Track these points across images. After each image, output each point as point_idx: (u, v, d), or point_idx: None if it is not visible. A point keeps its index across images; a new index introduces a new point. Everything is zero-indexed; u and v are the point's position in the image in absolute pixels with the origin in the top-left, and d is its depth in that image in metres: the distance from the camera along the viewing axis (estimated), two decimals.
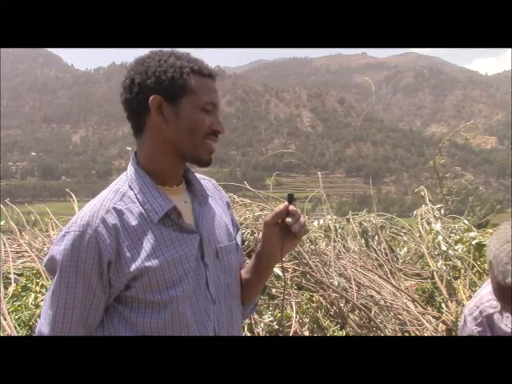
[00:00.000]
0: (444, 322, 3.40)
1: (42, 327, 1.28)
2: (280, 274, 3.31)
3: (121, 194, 1.30)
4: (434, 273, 4.03)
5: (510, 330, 1.61)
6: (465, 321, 1.80)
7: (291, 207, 1.32)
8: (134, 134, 1.35)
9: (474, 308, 1.78)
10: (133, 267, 1.23)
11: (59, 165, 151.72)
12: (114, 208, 1.27)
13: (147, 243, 1.26)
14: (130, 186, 1.32)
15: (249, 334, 3.08)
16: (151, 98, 1.27)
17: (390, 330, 3.35)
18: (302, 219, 1.33)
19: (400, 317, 3.47)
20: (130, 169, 1.35)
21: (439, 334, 3.28)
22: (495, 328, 1.67)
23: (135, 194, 1.30)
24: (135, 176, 1.33)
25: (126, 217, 1.26)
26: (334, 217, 4.85)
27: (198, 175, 1.46)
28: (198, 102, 1.30)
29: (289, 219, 1.31)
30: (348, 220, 5.02)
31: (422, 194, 5.13)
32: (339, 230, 4.66)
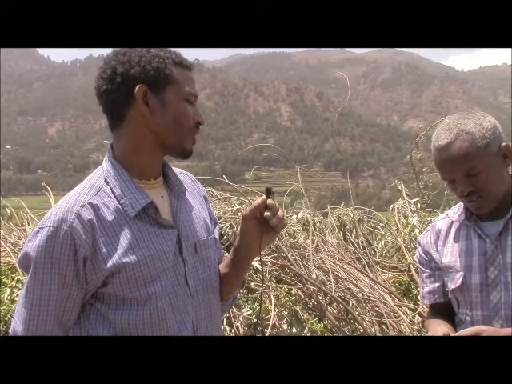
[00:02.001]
0: (420, 314, 3.45)
1: (16, 325, 1.26)
2: (259, 267, 3.32)
3: (96, 188, 1.28)
4: (411, 266, 4.08)
5: (461, 243, 1.61)
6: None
7: (269, 201, 1.32)
8: (111, 127, 1.32)
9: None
10: (109, 263, 1.21)
11: (35, 158, 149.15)
12: (90, 203, 1.24)
13: (124, 239, 1.24)
14: (105, 180, 1.29)
15: (227, 328, 3.09)
16: (137, 87, 1.25)
17: (367, 322, 3.39)
18: (280, 213, 1.33)
19: (377, 309, 3.51)
20: (106, 162, 1.32)
21: (415, 326, 3.33)
22: (448, 238, 1.66)
23: (111, 189, 1.28)
24: (111, 170, 1.30)
25: (101, 212, 1.24)
26: (316, 212, 4.87)
27: (175, 169, 1.44)
28: (182, 92, 1.29)
29: (267, 213, 1.31)
30: (326, 214, 5.05)
31: (399, 188, 5.18)
32: (317, 224, 4.69)
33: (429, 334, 1.55)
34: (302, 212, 4.67)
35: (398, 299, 3.67)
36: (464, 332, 1.38)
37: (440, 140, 1.51)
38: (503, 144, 1.51)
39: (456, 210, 1.69)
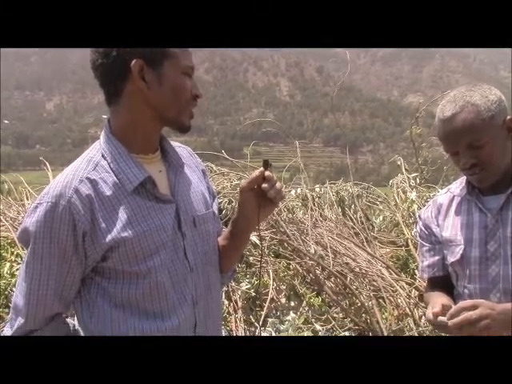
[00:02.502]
0: (417, 288, 3.49)
1: (17, 299, 1.27)
2: (257, 242, 3.34)
3: (94, 163, 1.27)
4: (409, 240, 4.11)
5: (463, 217, 1.62)
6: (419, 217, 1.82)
7: (267, 173, 1.31)
8: (108, 101, 1.31)
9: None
10: (108, 238, 1.22)
11: (33, 133, 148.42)
12: (88, 178, 1.24)
13: (122, 213, 1.24)
14: (103, 155, 1.29)
15: (226, 302, 3.12)
16: (133, 62, 1.23)
17: (364, 296, 3.42)
18: (278, 185, 1.32)
19: (374, 283, 3.54)
20: (104, 137, 1.32)
21: (412, 300, 3.37)
22: (449, 212, 1.67)
23: (109, 164, 1.27)
24: (109, 145, 1.30)
25: (99, 187, 1.24)
26: (316, 186, 4.88)
27: (173, 143, 1.43)
28: (180, 65, 1.28)
29: (265, 185, 1.31)
30: (325, 189, 5.05)
31: (398, 163, 5.18)
32: (316, 199, 4.70)
33: (429, 305, 1.57)
34: (300, 187, 4.68)
35: (396, 273, 3.71)
36: (463, 304, 1.40)
37: (445, 111, 1.51)
38: (508, 117, 1.51)
39: (458, 185, 1.69)
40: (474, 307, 1.37)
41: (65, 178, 1.24)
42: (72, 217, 1.20)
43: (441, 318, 1.42)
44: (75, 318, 1.36)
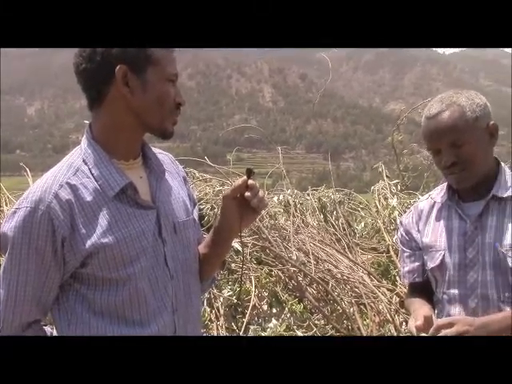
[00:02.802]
0: (398, 295, 3.51)
1: None
2: (239, 248, 3.33)
3: (74, 168, 1.26)
4: (390, 247, 4.13)
5: (442, 222, 1.65)
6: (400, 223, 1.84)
7: (250, 181, 1.31)
8: (90, 106, 1.30)
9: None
10: (88, 244, 1.21)
11: (13, 138, 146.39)
12: (68, 183, 1.23)
13: (103, 219, 1.23)
14: (84, 161, 1.28)
15: (208, 309, 3.10)
16: (117, 67, 1.22)
17: (346, 302, 3.43)
18: (260, 193, 1.33)
19: (356, 290, 3.56)
20: (85, 142, 1.31)
21: (393, 306, 3.39)
22: (429, 218, 1.69)
23: (89, 169, 1.26)
24: (90, 150, 1.29)
25: (80, 192, 1.23)
26: (295, 191, 4.89)
27: (154, 150, 1.43)
28: (164, 73, 1.28)
29: (248, 194, 1.31)
30: (308, 195, 5.07)
31: (380, 170, 5.22)
32: (298, 206, 4.71)
33: (411, 316, 1.60)
34: (283, 193, 4.68)
35: (377, 280, 3.73)
36: (440, 322, 1.42)
37: (431, 110, 1.56)
38: (491, 122, 1.55)
39: (439, 191, 1.71)
40: (451, 325, 1.39)
41: (44, 183, 1.23)
42: (51, 222, 1.19)
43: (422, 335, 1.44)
44: (53, 326, 1.34)
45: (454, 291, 1.59)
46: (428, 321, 1.44)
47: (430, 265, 1.65)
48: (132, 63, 1.24)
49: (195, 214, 1.50)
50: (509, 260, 1.49)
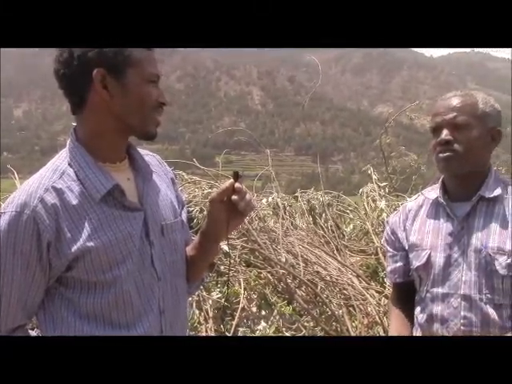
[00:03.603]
0: (386, 297, 3.52)
1: None
2: (228, 250, 3.32)
3: (60, 172, 1.25)
4: (378, 249, 4.15)
5: (430, 221, 1.67)
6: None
7: (237, 185, 1.31)
8: (73, 111, 1.29)
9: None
10: (74, 247, 1.20)
11: (1, 140, 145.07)
12: (53, 187, 1.22)
13: (89, 223, 1.22)
14: (69, 164, 1.27)
15: (197, 311, 3.09)
16: (94, 71, 1.21)
17: (335, 304, 3.44)
18: (247, 197, 1.32)
19: (345, 292, 3.57)
20: (70, 146, 1.30)
21: (382, 308, 3.40)
22: (417, 218, 1.72)
23: (75, 172, 1.25)
24: (75, 153, 1.28)
25: (65, 196, 1.22)
26: (283, 194, 4.90)
27: (141, 151, 1.42)
28: (144, 74, 1.26)
29: (234, 197, 1.30)
30: (296, 198, 5.08)
31: (369, 172, 5.24)
32: (287, 208, 4.71)
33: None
34: (272, 196, 4.69)
35: (366, 282, 3.74)
36: None
37: (448, 94, 1.64)
38: (497, 128, 1.60)
39: (430, 189, 1.74)
40: None
41: (30, 187, 1.22)
42: (37, 226, 1.18)
43: None
44: (38, 330, 1.33)
45: (438, 290, 1.61)
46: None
47: (416, 263, 1.66)
48: (110, 66, 1.23)
49: (183, 216, 1.49)
50: (496, 263, 1.51)
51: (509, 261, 1.50)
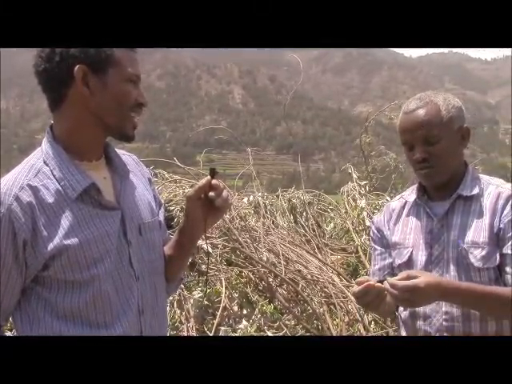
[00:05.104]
0: None
1: None
2: (210, 250, 3.31)
3: (35, 169, 1.24)
4: (359, 247, 4.18)
5: (412, 221, 1.69)
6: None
7: (214, 181, 1.31)
8: (51, 107, 1.28)
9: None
10: (50, 246, 1.18)
11: None
12: (29, 185, 1.20)
13: (65, 221, 1.21)
14: (45, 162, 1.25)
15: (178, 311, 3.07)
16: (76, 67, 1.21)
17: (316, 302, 3.45)
18: (224, 193, 1.32)
19: (326, 290, 3.58)
20: (45, 144, 1.28)
21: None
22: (400, 217, 1.74)
23: (51, 170, 1.24)
24: (51, 151, 1.26)
25: (41, 194, 1.20)
26: (264, 193, 4.89)
27: (118, 151, 1.41)
28: (124, 73, 1.26)
29: (211, 193, 1.30)
30: (277, 197, 5.08)
31: (349, 171, 5.27)
32: (268, 207, 4.71)
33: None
34: (253, 195, 4.68)
35: (346, 280, 3.76)
36: (400, 275, 1.44)
37: (409, 106, 1.63)
38: (464, 125, 1.63)
39: (409, 192, 1.77)
40: (413, 277, 1.40)
41: (4, 185, 1.20)
42: (12, 225, 1.16)
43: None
44: (14, 331, 1.30)
45: None
46: (364, 284, 1.46)
47: (398, 261, 1.69)
48: (92, 63, 1.23)
49: (161, 216, 1.49)
50: (470, 256, 1.55)
51: (483, 253, 1.54)
